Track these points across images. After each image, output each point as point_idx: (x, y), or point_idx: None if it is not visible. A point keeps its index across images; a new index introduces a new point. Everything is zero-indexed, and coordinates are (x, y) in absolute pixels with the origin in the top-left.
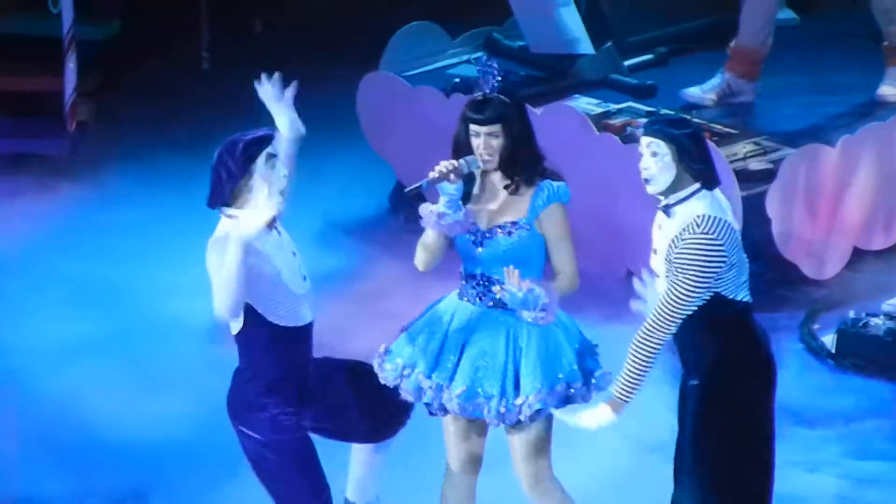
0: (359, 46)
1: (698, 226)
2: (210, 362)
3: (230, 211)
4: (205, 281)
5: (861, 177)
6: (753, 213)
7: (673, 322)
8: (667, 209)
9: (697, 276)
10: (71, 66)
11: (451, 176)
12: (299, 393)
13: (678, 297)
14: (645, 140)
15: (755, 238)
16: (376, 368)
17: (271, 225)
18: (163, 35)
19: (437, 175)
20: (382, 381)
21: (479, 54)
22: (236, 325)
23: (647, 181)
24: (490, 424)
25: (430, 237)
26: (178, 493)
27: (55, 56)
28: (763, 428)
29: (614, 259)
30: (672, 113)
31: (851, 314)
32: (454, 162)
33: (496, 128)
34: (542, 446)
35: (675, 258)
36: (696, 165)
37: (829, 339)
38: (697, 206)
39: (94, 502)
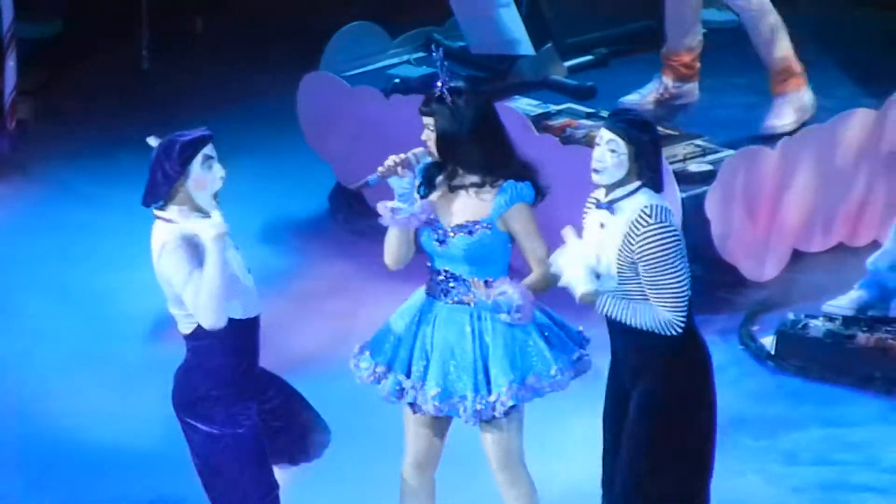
0: (299, 46)
1: (649, 216)
2: (159, 362)
3: (164, 213)
4: (150, 280)
5: (800, 179)
6: (693, 214)
7: (684, 305)
8: (611, 205)
9: (673, 260)
10: (11, 64)
11: (399, 169)
12: (253, 385)
13: (674, 286)
14: (606, 135)
15: (694, 239)
16: (352, 367)
17: None
18: (104, 34)
19: (384, 170)
20: (358, 381)
21: (421, 54)
22: (190, 325)
23: (596, 171)
24: (466, 423)
25: (391, 234)
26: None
27: None
28: (710, 430)
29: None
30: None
31: (791, 316)
32: (401, 156)
33: (430, 121)
34: (512, 433)
35: (641, 255)
36: (649, 173)
37: (768, 341)
38: (642, 199)
39: None
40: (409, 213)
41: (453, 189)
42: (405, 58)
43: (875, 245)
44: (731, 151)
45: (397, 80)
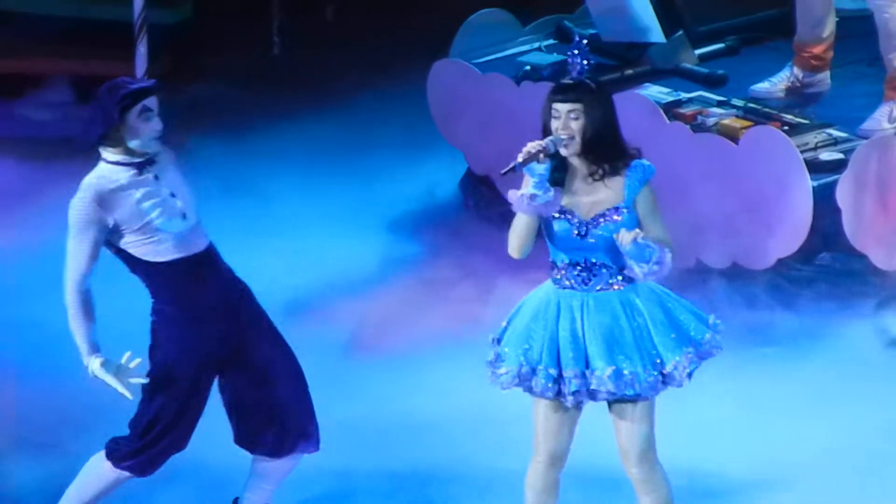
0: (429, 33)
1: None
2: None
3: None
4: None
5: None
6: (824, 203)
7: None
8: None
9: None
10: (142, 50)
11: (541, 156)
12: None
13: None
14: None
15: (825, 228)
16: (489, 378)
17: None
18: (234, 19)
19: (525, 156)
20: (498, 387)
21: (551, 41)
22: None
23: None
24: (640, 397)
25: (521, 221)
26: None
27: (127, 40)
28: None
29: (685, 248)
30: (741, 103)
31: None
32: (541, 142)
33: (577, 107)
34: (650, 421)
35: None
36: None
37: None
38: None
39: None
40: (546, 199)
41: (595, 178)
42: (536, 45)
43: None
44: (863, 140)
45: (528, 68)
